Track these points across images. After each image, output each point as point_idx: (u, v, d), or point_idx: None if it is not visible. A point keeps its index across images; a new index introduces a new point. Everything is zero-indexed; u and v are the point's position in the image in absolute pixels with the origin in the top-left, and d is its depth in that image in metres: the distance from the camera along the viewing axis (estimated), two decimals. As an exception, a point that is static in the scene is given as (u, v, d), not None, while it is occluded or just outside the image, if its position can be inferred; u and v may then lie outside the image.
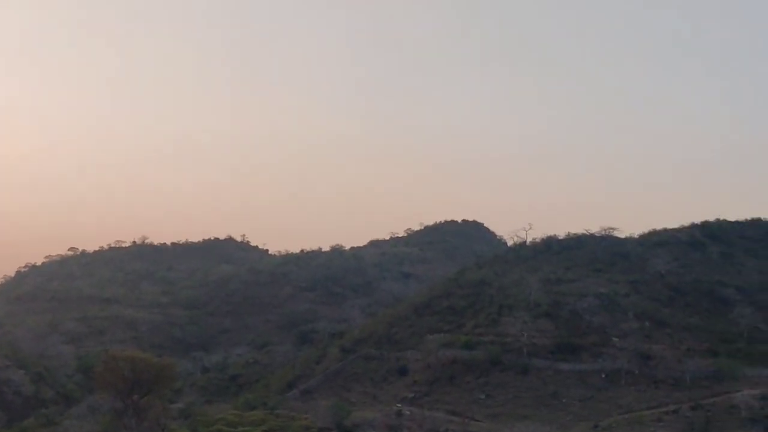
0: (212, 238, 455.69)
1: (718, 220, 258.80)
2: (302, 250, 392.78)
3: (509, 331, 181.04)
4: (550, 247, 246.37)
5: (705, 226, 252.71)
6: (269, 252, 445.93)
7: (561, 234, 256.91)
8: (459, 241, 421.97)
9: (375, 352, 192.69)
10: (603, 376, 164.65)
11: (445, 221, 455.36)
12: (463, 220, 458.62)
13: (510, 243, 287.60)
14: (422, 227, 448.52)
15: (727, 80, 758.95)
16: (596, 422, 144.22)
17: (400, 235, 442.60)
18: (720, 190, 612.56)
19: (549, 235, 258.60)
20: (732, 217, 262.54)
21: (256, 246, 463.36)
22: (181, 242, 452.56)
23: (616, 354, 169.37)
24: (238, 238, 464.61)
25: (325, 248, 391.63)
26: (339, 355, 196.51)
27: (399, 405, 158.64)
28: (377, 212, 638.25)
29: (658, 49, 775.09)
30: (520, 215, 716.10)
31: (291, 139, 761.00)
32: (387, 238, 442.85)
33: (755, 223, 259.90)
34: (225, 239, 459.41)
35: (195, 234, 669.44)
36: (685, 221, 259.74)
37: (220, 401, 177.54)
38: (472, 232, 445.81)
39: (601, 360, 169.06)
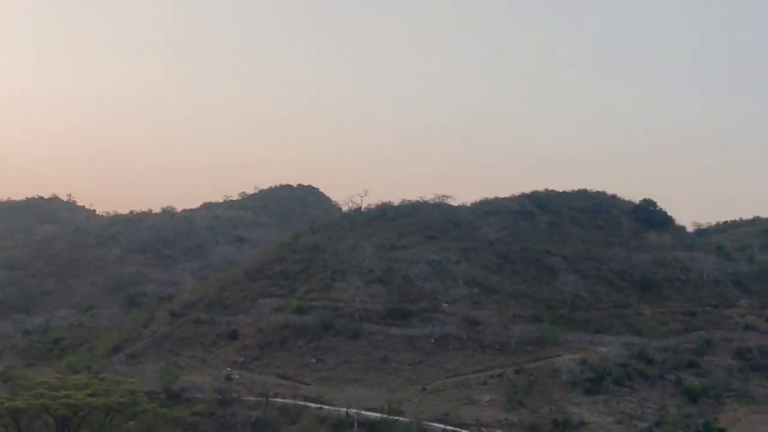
0: (36, 197, 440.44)
1: (546, 191, 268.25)
2: (131, 212, 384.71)
3: (342, 297, 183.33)
4: (384, 213, 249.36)
5: (534, 196, 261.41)
6: (97, 213, 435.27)
7: (396, 201, 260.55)
8: (294, 205, 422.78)
9: (205, 316, 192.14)
10: (432, 340, 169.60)
11: (280, 185, 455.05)
12: (299, 185, 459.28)
13: (345, 209, 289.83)
14: (257, 191, 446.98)
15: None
16: (424, 386, 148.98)
17: (234, 199, 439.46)
18: (549, 162, 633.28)
19: (384, 201, 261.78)
20: (560, 188, 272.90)
21: (83, 206, 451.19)
22: (1, 200, 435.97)
23: (445, 319, 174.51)
24: (64, 198, 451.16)
25: (156, 210, 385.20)
26: (168, 318, 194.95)
27: (228, 369, 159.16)
28: (211, 175, 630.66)
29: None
30: (356, 181, 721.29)
31: (117, 94, 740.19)
32: (221, 201, 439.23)
33: (581, 194, 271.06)
34: (50, 198, 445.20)
35: (17, 192, 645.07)
36: (516, 191, 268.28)
37: (42, 365, 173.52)
38: (307, 197, 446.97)
39: (431, 325, 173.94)
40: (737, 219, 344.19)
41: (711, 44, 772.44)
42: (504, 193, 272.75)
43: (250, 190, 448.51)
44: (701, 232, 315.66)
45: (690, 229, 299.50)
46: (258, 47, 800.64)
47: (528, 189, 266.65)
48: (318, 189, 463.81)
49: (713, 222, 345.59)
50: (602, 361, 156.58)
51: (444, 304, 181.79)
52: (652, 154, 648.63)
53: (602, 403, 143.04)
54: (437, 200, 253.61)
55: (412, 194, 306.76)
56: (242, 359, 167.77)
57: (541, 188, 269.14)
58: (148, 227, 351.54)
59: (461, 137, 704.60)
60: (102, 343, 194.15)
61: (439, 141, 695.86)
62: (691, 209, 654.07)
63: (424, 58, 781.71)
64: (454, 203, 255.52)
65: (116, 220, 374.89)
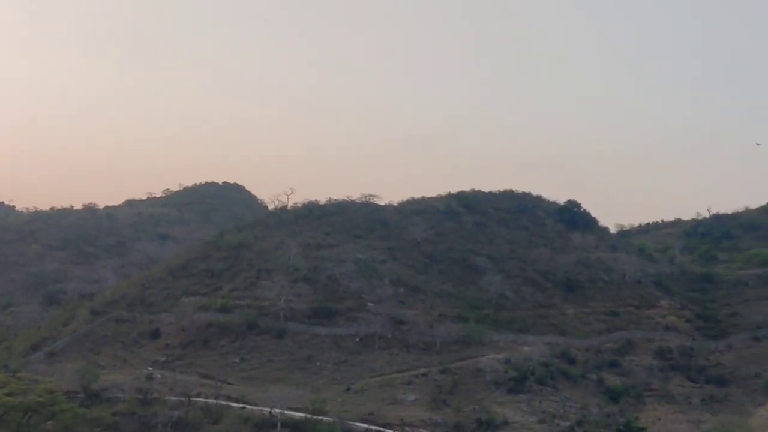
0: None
1: (473, 191, 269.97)
2: (52, 208, 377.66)
3: (267, 295, 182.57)
4: (311, 212, 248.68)
5: (461, 196, 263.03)
6: (17, 209, 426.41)
7: (322, 200, 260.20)
8: (219, 203, 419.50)
9: (127, 314, 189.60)
10: (357, 340, 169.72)
11: (205, 183, 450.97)
12: (224, 182, 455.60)
13: (271, 207, 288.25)
14: (181, 188, 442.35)
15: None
16: (349, 385, 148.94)
17: (157, 196, 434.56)
18: (477, 162, 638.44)
19: (310, 200, 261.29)
20: (486, 188, 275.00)
21: (2, 202, 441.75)
22: None
23: (370, 319, 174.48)
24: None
25: (77, 206, 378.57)
26: (89, 317, 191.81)
27: (150, 368, 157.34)
28: (134, 172, 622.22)
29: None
30: (283, 179, 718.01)
31: (34, 91, 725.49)
32: (144, 198, 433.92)
33: (507, 195, 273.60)
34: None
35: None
36: (443, 191, 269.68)
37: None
38: (232, 194, 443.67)
39: (356, 324, 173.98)
40: (659, 221, 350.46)
41: (631, 42, 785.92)
42: (431, 193, 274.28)
43: (175, 188, 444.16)
44: (624, 234, 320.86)
45: (613, 230, 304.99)
46: (182, 44, 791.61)
47: (455, 189, 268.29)
48: (244, 187, 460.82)
49: (636, 223, 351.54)
50: (526, 361, 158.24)
51: (369, 304, 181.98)
52: (577, 155, 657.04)
53: (525, 403, 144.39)
54: (364, 199, 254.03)
55: (339, 193, 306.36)
56: (164, 359, 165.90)
57: (467, 188, 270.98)
58: (70, 224, 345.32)
59: (389, 136, 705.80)
60: (20, 341, 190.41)
61: (367, 140, 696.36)
62: (614, 211, 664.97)
63: (352, 53, 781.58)
64: (381, 203, 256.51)
65: (36, 216, 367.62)
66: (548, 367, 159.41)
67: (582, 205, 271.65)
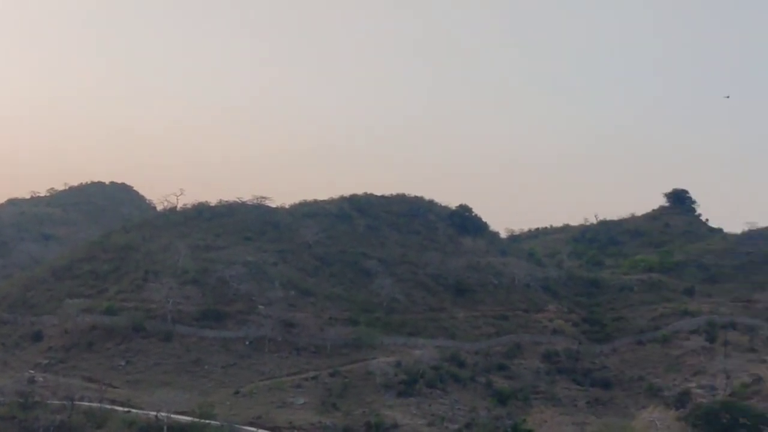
0: None
1: (365, 194, 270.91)
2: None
3: (154, 298, 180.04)
4: (200, 213, 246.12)
5: (353, 199, 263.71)
6: None
7: (213, 201, 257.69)
8: (106, 203, 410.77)
9: (8, 316, 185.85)
10: (247, 343, 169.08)
11: (92, 182, 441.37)
12: (111, 182, 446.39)
13: (160, 208, 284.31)
14: (67, 188, 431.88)
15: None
16: (237, 389, 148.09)
17: (42, 195, 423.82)
18: (370, 166, 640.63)
19: (200, 201, 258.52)
20: (378, 192, 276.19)
21: None
22: None
23: (261, 322, 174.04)
24: None
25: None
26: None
27: (32, 371, 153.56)
28: (17, 170, 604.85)
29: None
30: (173, 180, 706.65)
31: None
32: (28, 197, 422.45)
33: (400, 199, 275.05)
34: None
35: None
36: (335, 194, 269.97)
37: None
38: (120, 195, 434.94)
39: (246, 327, 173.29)
40: (548, 226, 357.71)
41: (526, 46, 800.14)
42: (323, 196, 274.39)
43: (60, 187, 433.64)
44: (514, 239, 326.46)
45: (503, 235, 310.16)
46: (70, 39, 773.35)
47: (347, 192, 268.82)
48: (132, 187, 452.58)
49: (525, 228, 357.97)
50: (416, 364, 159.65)
51: (260, 306, 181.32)
52: (469, 160, 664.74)
53: (415, 406, 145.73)
54: (255, 201, 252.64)
55: (231, 195, 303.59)
56: (47, 361, 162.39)
57: (360, 192, 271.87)
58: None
59: (283, 139, 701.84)
60: None
61: (260, 142, 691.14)
62: (505, 216, 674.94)
63: (246, 55, 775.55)
64: (273, 205, 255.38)
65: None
66: (438, 371, 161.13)
67: (473, 210, 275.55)
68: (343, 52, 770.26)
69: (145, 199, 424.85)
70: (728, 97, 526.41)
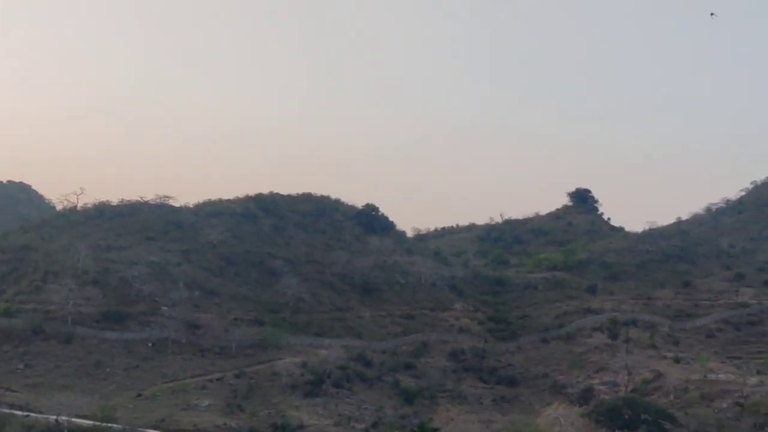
0: None
1: (271, 194, 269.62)
2: None
3: (54, 299, 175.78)
4: (102, 213, 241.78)
5: (259, 198, 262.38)
6: None
7: (114, 200, 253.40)
8: (2, 202, 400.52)
9: None
10: (150, 345, 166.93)
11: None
12: (8, 181, 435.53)
13: (59, 207, 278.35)
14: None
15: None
16: (140, 391, 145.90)
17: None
18: (276, 165, 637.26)
19: (102, 201, 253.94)
20: (284, 191, 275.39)
21: None
22: None
23: (164, 323, 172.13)
24: None
25: None
26: None
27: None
28: None
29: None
30: (73, 179, 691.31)
31: None
32: None
33: (306, 198, 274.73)
34: None
35: None
36: (241, 193, 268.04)
37: None
38: (17, 194, 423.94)
39: (149, 329, 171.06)
40: (454, 225, 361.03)
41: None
42: (228, 195, 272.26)
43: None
44: (420, 238, 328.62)
45: (410, 234, 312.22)
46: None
47: (253, 192, 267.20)
48: (30, 186, 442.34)
49: (432, 227, 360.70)
50: (322, 364, 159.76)
51: (163, 308, 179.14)
52: (375, 158, 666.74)
53: (321, 406, 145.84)
54: (158, 201, 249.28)
55: (133, 194, 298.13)
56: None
57: (266, 191, 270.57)
58: None
59: (187, 137, 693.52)
60: None
61: (163, 140, 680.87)
62: (412, 215, 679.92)
63: (149, 50, 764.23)
64: (177, 204, 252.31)
65: None
66: (345, 370, 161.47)
67: (380, 209, 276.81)
68: (244, 49, 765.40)
69: (45, 199, 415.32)
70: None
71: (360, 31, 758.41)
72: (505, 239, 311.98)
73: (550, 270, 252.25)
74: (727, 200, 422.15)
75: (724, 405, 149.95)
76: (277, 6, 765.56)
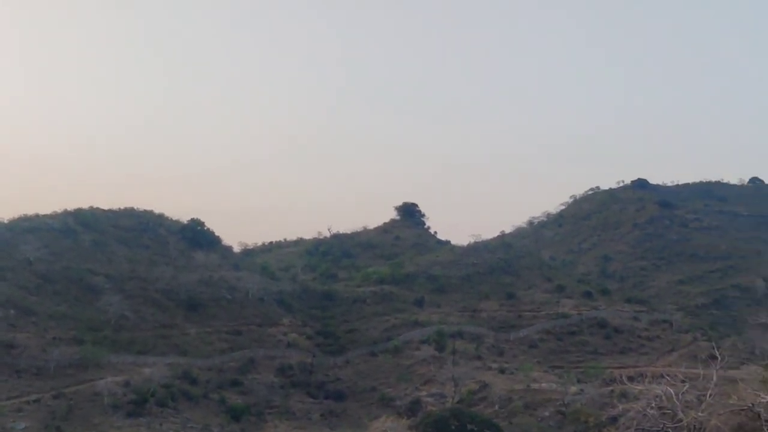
0: None
1: (91, 208, 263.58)
2: None
3: None
4: None
5: (78, 213, 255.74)
6: None
7: None
8: None
9: None
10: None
11: None
12: None
13: None
14: None
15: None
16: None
17: None
18: (95, 179, 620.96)
19: None
20: (105, 206, 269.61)
21: None
22: None
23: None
24: None
25: None
26: None
27: None
28: None
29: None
30: None
31: None
32: None
33: (128, 213, 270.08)
34: None
35: None
36: (59, 208, 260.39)
37: None
38: None
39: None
40: (282, 239, 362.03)
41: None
42: (46, 210, 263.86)
43: None
44: (248, 252, 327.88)
45: (237, 249, 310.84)
46: None
47: (72, 207, 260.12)
48: None
49: (259, 242, 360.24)
50: (146, 383, 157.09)
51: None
52: (200, 173, 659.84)
53: (145, 426, 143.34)
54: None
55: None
56: None
57: (85, 206, 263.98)
58: None
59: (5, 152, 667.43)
60: None
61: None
62: (238, 229, 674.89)
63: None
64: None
65: None
66: (169, 389, 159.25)
67: (206, 224, 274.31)
68: (61, 55, 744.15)
69: None
70: None
71: (183, 39, 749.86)
72: (333, 253, 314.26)
73: (378, 284, 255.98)
74: (548, 214, 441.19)
75: (547, 413, 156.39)
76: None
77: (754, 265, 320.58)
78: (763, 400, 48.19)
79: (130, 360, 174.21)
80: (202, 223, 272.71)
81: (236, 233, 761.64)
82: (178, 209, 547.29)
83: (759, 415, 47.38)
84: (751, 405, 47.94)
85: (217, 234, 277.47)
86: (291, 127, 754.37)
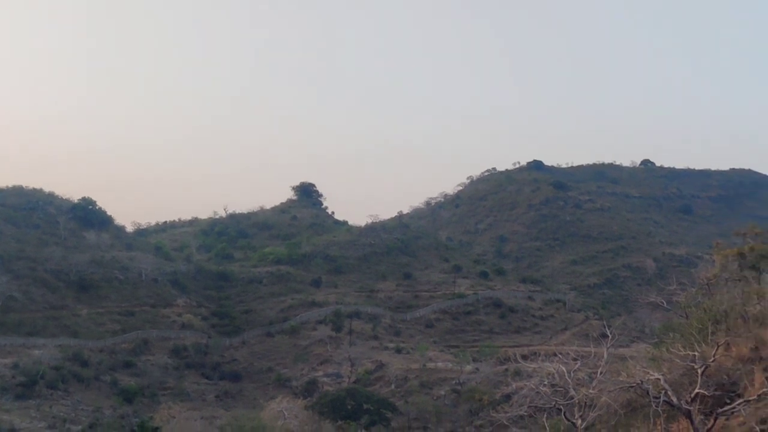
0: None
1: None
2: None
3: None
4: None
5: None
6: None
7: None
8: None
9: None
10: None
11: None
12: None
13: None
14: None
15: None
16: None
17: None
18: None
19: None
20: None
21: None
22: None
23: None
24: None
25: None
26: None
27: None
28: None
29: None
30: None
31: None
32: None
33: (16, 191, 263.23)
34: None
35: None
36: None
37: None
38: None
39: None
40: (176, 219, 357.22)
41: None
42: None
43: None
44: (141, 232, 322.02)
45: (130, 229, 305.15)
46: None
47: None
48: None
49: (153, 222, 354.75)
50: (35, 365, 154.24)
51: None
52: (91, 151, 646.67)
53: (35, 408, 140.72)
54: None
55: None
56: None
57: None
58: None
59: None
60: None
61: None
62: (131, 209, 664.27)
63: None
64: None
65: None
66: (60, 371, 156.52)
67: (97, 203, 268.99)
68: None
69: None
70: None
71: (88, 24, 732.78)
72: (229, 233, 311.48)
73: (275, 264, 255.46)
74: (446, 195, 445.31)
75: (442, 392, 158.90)
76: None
77: (644, 246, 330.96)
78: (651, 377, 49.97)
79: (20, 342, 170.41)
80: (93, 202, 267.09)
81: (129, 213, 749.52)
82: (69, 188, 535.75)
83: (647, 392, 49.15)
84: (640, 382, 49.63)
85: (109, 213, 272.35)
86: (193, 108, 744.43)
